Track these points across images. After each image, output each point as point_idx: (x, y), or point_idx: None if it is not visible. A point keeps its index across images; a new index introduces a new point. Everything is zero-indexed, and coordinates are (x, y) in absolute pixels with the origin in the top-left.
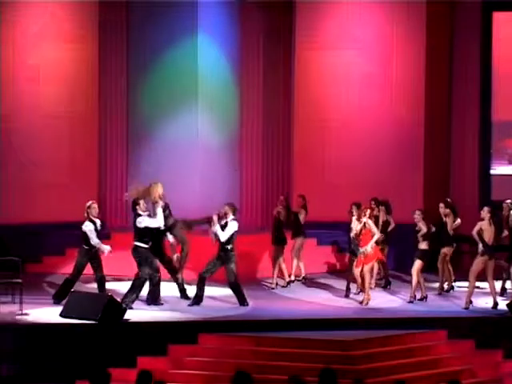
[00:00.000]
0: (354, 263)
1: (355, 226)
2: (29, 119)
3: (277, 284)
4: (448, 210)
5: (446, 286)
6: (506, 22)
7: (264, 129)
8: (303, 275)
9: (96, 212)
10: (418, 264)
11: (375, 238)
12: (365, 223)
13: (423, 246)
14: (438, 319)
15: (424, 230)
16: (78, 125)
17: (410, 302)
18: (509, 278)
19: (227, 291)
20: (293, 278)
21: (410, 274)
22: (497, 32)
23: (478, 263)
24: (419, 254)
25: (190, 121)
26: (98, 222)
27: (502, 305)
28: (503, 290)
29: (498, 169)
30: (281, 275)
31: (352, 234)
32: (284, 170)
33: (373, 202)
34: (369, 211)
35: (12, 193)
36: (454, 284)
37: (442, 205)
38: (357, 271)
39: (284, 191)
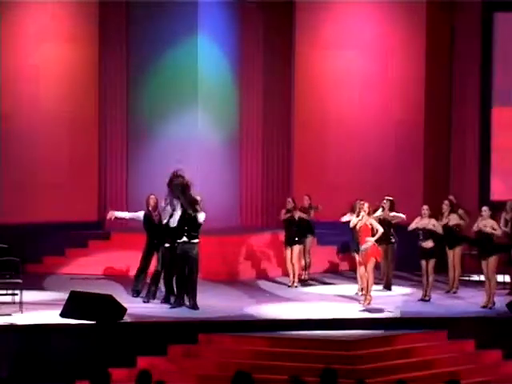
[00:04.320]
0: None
1: (354, 221)
2: (29, 119)
3: (293, 282)
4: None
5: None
6: (506, 22)
7: (264, 128)
8: (303, 276)
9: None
10: (433, 263)
11: (379, 233)
12: (363, 217)
13: (430, 243)
14: (438, 319)
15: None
16: (78, 125)
17: (427, 300)
18: None
19: (227, 291)
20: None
21: (414, 274)
22: (497, 32)
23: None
24: (430, 253)
25: (189, 121)
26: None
27: (502, 305)
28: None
29: None
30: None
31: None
32: (284, 170)
33: (384, 201)
34: (367, 205)
35: (12, 193)
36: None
37: (446, 202)
38: (361, 271)
39: (284, 191)
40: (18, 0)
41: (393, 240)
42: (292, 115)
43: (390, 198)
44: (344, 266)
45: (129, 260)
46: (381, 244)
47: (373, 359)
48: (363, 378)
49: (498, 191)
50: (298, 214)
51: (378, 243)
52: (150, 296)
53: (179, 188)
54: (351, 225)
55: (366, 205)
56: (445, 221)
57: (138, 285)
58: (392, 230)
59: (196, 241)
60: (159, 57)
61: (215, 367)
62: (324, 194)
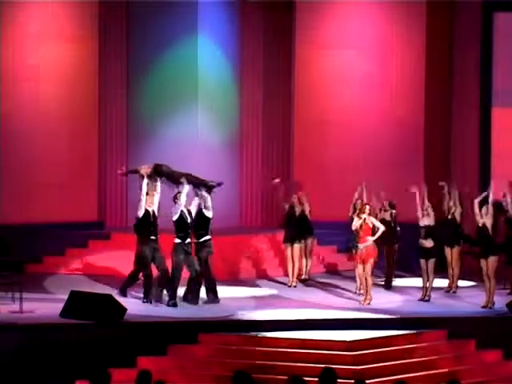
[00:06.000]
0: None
1: (355, 222)
2: (29, 119)
3: (292, 282)
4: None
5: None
6: (506, 22)
7: (264, 129)
8: (302, 276)
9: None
10: (432, 262)
11: (380, 231)
12: (365, 219)
13: (430, 243)
14: (438, 319)
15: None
16: (78, 125)
17: (427, 300)
18: None
19: (227, 291)
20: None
21: (414, 274)
22: (497, 32)
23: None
24: (430, 252)
25: (190, 120)
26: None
27: (502, 305)
28: None
29: None
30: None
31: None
32: (284, 170)
33: (385, 203)
34: (368, 207)
35: (12, 193)
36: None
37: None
38: (359, 270)
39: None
40: (17, 0)
41: (395, 240)
42: (292, 115)
43: (390, 201)
44: (344, 266)
45: (129, 260)
46: (384, 244)
47: (373, 359)
48: (363, 378)
49: (498, 190)
50: (298, 209)
51: (379, 243)
52: (150, 296)
53: (163, 173)
54: (353, 227)
55: (368, 207)
56: (450, 207)
57: (152, 292)
58: (398, 230)
59: (177, 241)
60: (159, 57)
61: (215, 367)
62: (324, 193)
